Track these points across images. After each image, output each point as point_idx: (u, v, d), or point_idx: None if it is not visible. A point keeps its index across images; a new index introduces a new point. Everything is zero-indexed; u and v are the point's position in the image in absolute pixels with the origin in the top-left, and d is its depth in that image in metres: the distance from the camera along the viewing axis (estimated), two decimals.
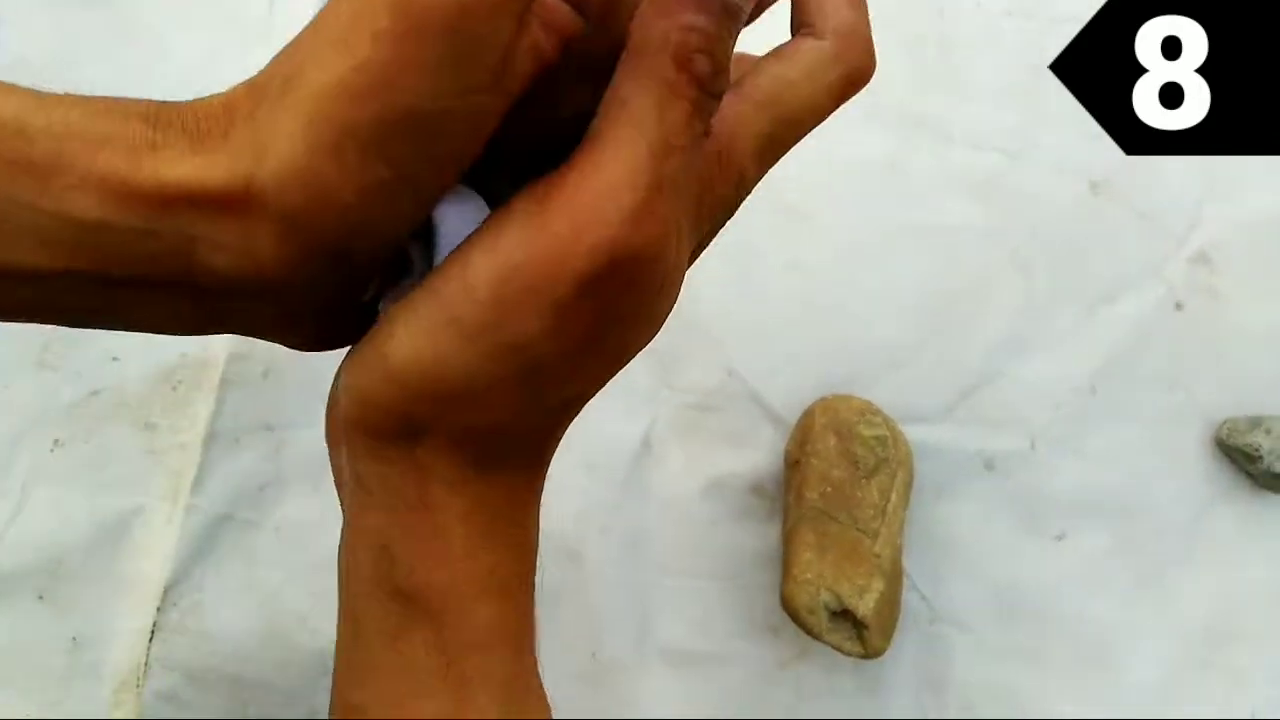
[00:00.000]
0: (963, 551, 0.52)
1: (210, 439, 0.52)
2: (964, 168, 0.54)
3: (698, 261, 0.55)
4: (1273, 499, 0.51)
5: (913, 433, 0.52)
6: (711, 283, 0.53)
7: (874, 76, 0.58)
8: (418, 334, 0.20)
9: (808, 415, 0.51)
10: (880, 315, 0.53)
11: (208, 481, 0.52)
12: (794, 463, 0.50)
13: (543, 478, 0.25)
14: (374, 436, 0.21)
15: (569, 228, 0.20)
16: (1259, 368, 0.52)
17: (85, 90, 0.21)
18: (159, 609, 0.51)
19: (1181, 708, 0.50)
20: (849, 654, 0.47)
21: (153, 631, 0.51)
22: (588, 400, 0.24)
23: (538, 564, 0.27)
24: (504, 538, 0.23)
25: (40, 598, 0.52)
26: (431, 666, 0.22)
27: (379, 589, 0.22)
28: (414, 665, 0.22)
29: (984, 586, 0.51)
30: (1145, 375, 0.53)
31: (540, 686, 0.25)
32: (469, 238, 0.21)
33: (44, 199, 0.19)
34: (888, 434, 0.49)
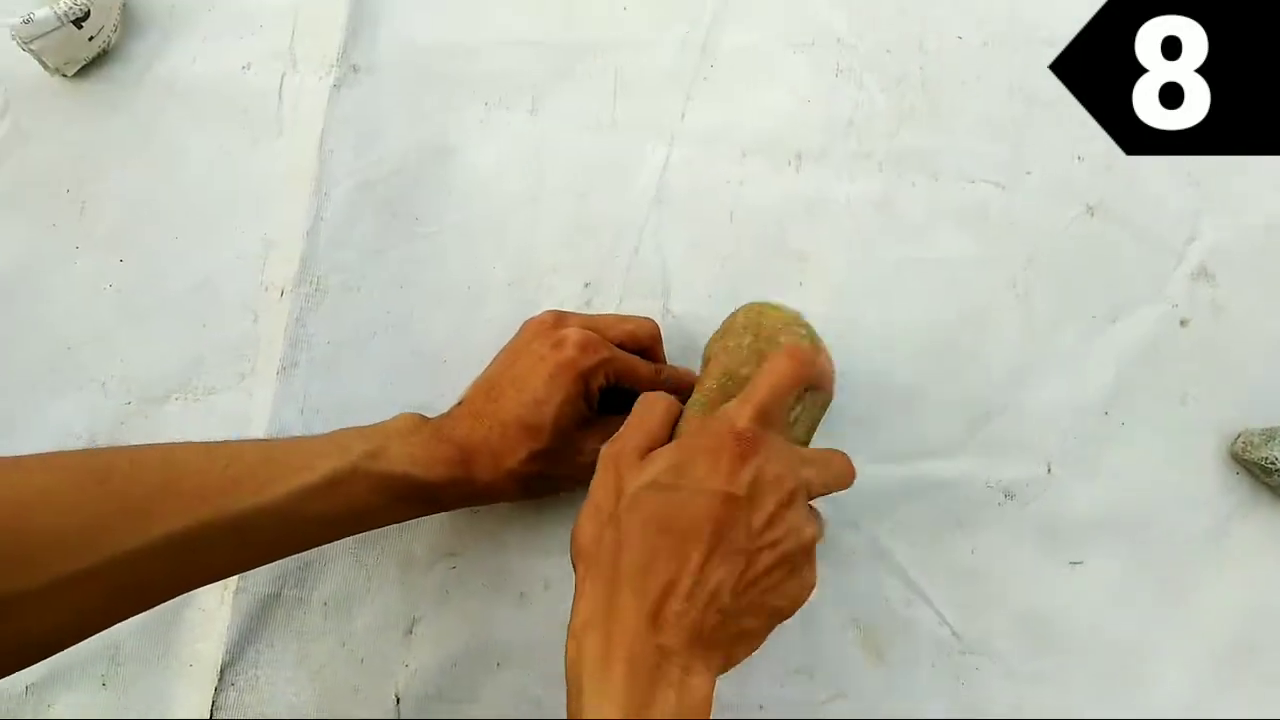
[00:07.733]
0: (987, 582, 0.52)
1: None
2: (955, 201, 0.55)
3: (704, 310, 0.56)
4: None
5: (929, 467, 0.53)
6: None
7: (861, 118, 0.61)
8: None
9: (731, 317, 0.48)
10: (885, 353, 0.54)
11: None
12: (706, 359, 0.48)
13: None
14: None
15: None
16: (1268, 379, 0.52)
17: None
18: (217, 689, 0.54)
19: None
20: None
21: (212, 711, 0.53)
22: None
23: None
24: None
25: (104, 684, 0.55)
26: None
27: None
28: None
29: (1010, 615, 0.52)
30: (1155, 393, 0.53)
31: None
32: None
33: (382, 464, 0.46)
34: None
